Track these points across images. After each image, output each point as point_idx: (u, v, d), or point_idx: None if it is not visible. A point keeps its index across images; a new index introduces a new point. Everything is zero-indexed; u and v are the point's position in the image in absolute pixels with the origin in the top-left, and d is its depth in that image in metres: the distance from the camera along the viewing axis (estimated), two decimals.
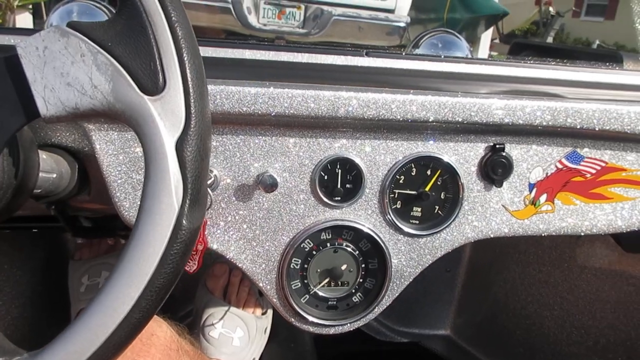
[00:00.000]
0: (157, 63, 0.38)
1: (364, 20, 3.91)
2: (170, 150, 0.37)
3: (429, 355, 1.54)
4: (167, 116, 0.37)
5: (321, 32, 3.83)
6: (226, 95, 0.66)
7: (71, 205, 0.85)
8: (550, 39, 6.59)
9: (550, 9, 7.24)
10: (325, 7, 3.79)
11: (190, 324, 1.22)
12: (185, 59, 0.39)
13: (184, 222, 0.38)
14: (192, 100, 0.39)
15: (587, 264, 1.25)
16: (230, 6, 3.69)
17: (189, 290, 1.33)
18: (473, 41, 5.01)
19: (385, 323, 1.58)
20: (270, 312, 1.28)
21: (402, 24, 3.97)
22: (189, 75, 0.39)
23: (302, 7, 3.80)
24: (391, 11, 3.96)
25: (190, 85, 0.39)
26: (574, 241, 1.27)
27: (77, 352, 0.37)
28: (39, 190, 0.66)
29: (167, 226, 0.37)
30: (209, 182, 0.71)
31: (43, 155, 0.66)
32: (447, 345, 1.57)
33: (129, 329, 0.38)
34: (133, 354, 0.57)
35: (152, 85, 0.38)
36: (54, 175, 0.68)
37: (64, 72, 0.39)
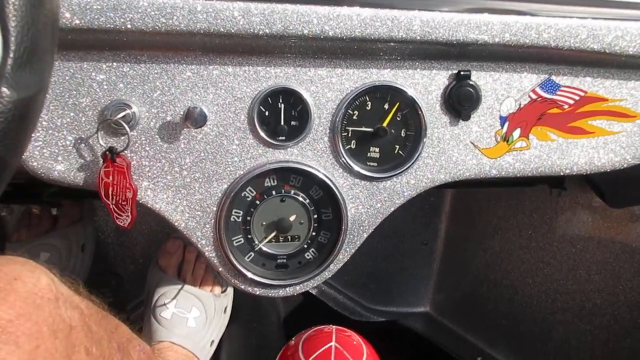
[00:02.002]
0: None
1: None
2: None
3: (407, 333, 1.45)
4: None
5: None
6: (135, 7, 0.56)
7: None
8: None
9: None
10: None
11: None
12: None
13: (4, 88, 0.27)
14: None
15: (569, 224, 1.17)
16: None
17: (144, 272, 1.22)
18: None
19: (360, 302, 1.48)
20: (230, 290, 1.17)
21: None
22: None
23: None
24: None
25: None
26: (554, 202, 1.18)
27: None
28: None
29: None
30: (122, 115, 0.60)
31: None
32: (427, 323, 1.48)
33: None
34: None
35: None
36: None
37: None
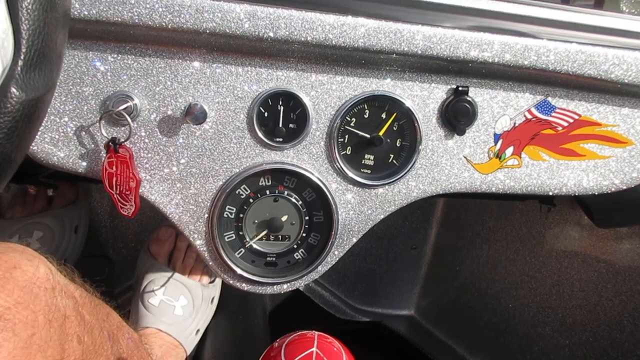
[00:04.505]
0: None
1: None
2: None
3: (390, 335, 1.47)
4: None
5: None
6: (143, 3, 0.57)
7: None
8: None
9: None
10: None
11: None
12: None
13: (13, 88, 0.28)
14: None
15: (557, 240, 1.18)
16: None
17: (135, 256, 1.23)
18: None
19: (346, 301, 1.50)
20: (219, 281, 1.18)
21: None
22: None
23: None
24: None
25: None
26: (544, 216, 1.20)
27: None
28: None
29: None
30: (124, 107, 0.61)
31: None
32: (410, 326, 1.49)
33: None
34: None
35: None
36: None
37: None
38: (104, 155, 0.63)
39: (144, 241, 1.20)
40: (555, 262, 1.18)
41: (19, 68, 0.28)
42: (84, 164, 0.64)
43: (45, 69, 0.30)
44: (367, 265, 1.48)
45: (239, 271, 0.71)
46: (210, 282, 1.16)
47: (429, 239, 1.47)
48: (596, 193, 0.76)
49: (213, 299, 1.16)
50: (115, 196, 0.63)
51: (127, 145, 0.63)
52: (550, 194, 0.76)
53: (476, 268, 1.36)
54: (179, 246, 1.15)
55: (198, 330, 1.10)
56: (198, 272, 1.14)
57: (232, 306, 1.22)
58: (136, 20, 0.57)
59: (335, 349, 0.49)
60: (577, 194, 0.76)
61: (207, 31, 0.59)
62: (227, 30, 0.59)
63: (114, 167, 0.62)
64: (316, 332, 0.51)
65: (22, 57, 0.28)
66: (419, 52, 0.64)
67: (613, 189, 0.77)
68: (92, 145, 0.64)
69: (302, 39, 0.61)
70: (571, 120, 0.73)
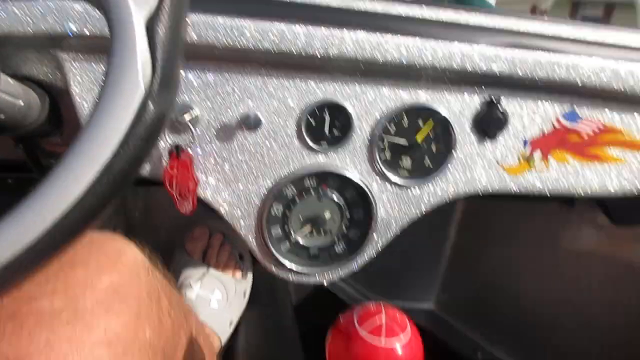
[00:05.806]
0: None
1: None
2: (140, 27, 0.34)
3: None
4: None
5: None
6: (211, 25, 0.62)
7: (42, 147, 0.81)
8: None
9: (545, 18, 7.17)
10: None
11: None
12: None
13: (150, 104, 0.34)
14: None
15: (575, 239, 1.23)
16: None
17: (165, 252, 1.29)
18: None
19: (368, 295, 1.56)
20: (250, 275, 1.24)
21: None
22: None
23: None
24: None
25: None
26: (564, 216, 1.24)
27: (23, 232, 0.32)
28: (2, 117, 0.61)
29: (131, 105, 0.34)
30: (188, 118, 0.67)
31: (8, 79, 0.61)
32: (431, 320, 1.55)
33: (82, 213, 0.34)
34: (98, 268, 0.55)
35: None
36: (21, 103, 0.63)
37: None
38: (165, 159, 0.69)
39: (175, 239, 1.26)
40: (575, 260, 1.23)
41: (155, 87, 0.34)
42: (146, 166, 0.70)
43: (170, 90, 0.36)
44: (389, 261, 1.53)
45: (285, 263, 0.77)
46: (242, 277, 1.22)
47: (450, 236, 1.53)
48: (620, 195, 0.81)
49: (245, 292, 1.22)
50: (175, 195, 0.69)
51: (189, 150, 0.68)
52: (576, 195, 0.81)
53: (497, 264, 1.41)
54: (213, 243, 1.21)
55: (232, 322, 1.16)
56: (231, 267, 1.20)
57: (262, 300, 1.28)
58: (203, 41, 0.63)
59: (398, 314, 0.56)
60: (601, 196, 0.81)
61: (266, 50, 0.64)
62: (284, 49, 0.65)
63: (175, 170, 0.67)
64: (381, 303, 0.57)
65: (157, 79, 0.35)
66: (456, 67, 0.69)
67: (636, 192, 0.82)
68: (155, 150, 0.69)
69: (352, 57, 0.66)
70: (596, 128, 0.78)
